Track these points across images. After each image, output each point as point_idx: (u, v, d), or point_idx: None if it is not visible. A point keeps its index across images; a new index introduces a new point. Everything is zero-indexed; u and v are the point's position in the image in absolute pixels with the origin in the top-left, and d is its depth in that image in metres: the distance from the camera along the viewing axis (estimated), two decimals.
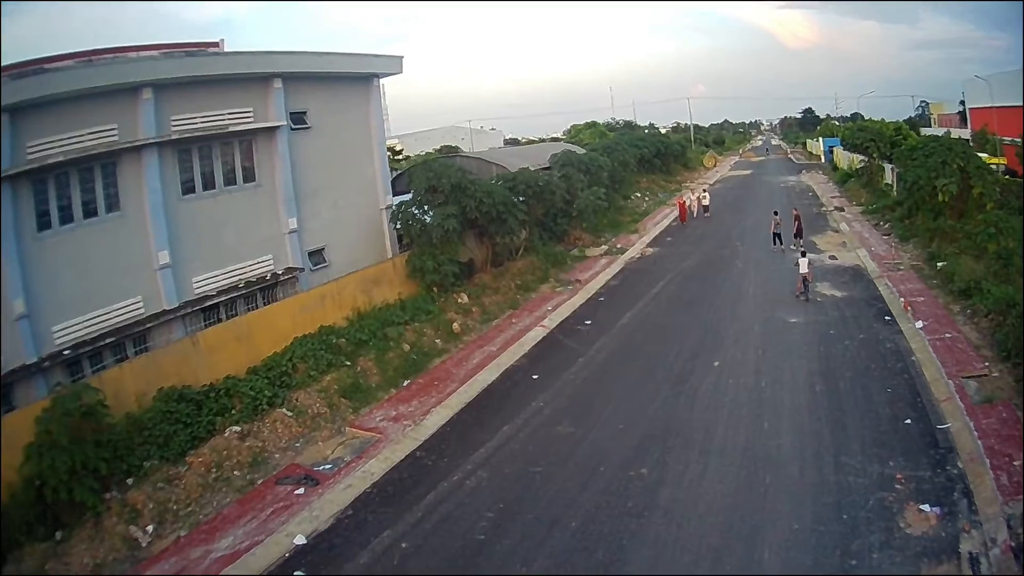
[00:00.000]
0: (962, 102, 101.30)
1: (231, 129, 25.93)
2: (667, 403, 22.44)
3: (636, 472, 18.20)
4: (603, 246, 47.50)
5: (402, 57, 33.75)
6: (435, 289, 31.46)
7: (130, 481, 17.67)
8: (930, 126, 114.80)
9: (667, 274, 40.03)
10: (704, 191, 63.14)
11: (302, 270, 27.95)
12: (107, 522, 16.34)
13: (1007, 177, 55.34)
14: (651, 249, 48.24)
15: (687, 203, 58.11)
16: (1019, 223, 32.15)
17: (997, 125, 71.00)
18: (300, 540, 16.10)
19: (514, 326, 30.98)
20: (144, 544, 16.18)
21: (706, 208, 58.63)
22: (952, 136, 54.07)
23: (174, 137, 23.89)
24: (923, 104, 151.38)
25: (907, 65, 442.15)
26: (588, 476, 18.18)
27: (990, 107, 73.68)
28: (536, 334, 29.96)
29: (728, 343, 27.86)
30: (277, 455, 20.17)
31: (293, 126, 28.23)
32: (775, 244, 45.03)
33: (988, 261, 32.08)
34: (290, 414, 21.68)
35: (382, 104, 34.70)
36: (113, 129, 22.24)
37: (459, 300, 32.02)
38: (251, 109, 26.74)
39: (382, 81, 34.19)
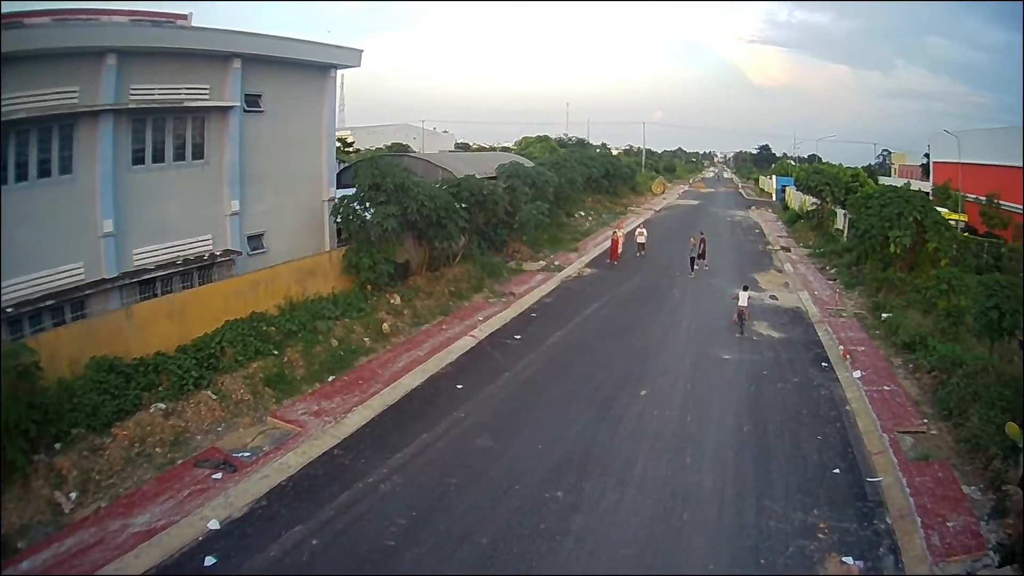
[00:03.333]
0: (927, 155, 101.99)
1: (186, 104, 26.03)
2: (589, 428, 22.52)
3: (551, 494, 18.27)
4: (541, 262, 47.72)
5: (361, 51, 34.12)
6: (369, 287, 31.52)
7: (57, 446, 17.57)
8: (890, 175, 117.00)
9: (602, 296, 40.30)
10: (641, 227, 59.23)
11: (240, 253, 28.08)
12: (34, 484, 16.34)
13: (966, 234, 56.40)
14: (589, 270, 48.48)
15: (620, 238, 52.78)
16: (973, 282, 31.87)
17: (962, 181, 72.26)
18: (214, 525, 16.14)
19: (444, 333, 31.10)
20: (67, 511, 16.04)
21: (642, 246, 54.18)
22: (912, 188, 54.76)
23: (131, 106, 23.90)
24: (885, 153, 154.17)
25: (874, 112, 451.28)
26: (503, 493, 18.23)
27: (956, 163, 74.89)
28: (465, 343, 30.13)
29: (657, 373, 27.93)
30: (199, 437, 20.14)
31: (247, 108, 28.41)
32: (692, 269, 47.36)
33: (936, 317, 32.25)
34: (214, 397, 21.66)
35: (337, 95, 34.99)
36: (75, 91, 22.25)
37: (392, 301, 32.14)
38: (208, 86, 26.86)
39: (341, 72, 34.56)
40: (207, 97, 26.80)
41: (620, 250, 51.56)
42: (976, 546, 16.64)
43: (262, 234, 29.60)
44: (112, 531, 15.44)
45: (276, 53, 29.47)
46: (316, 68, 32.13)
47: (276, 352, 24.93)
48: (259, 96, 29.09)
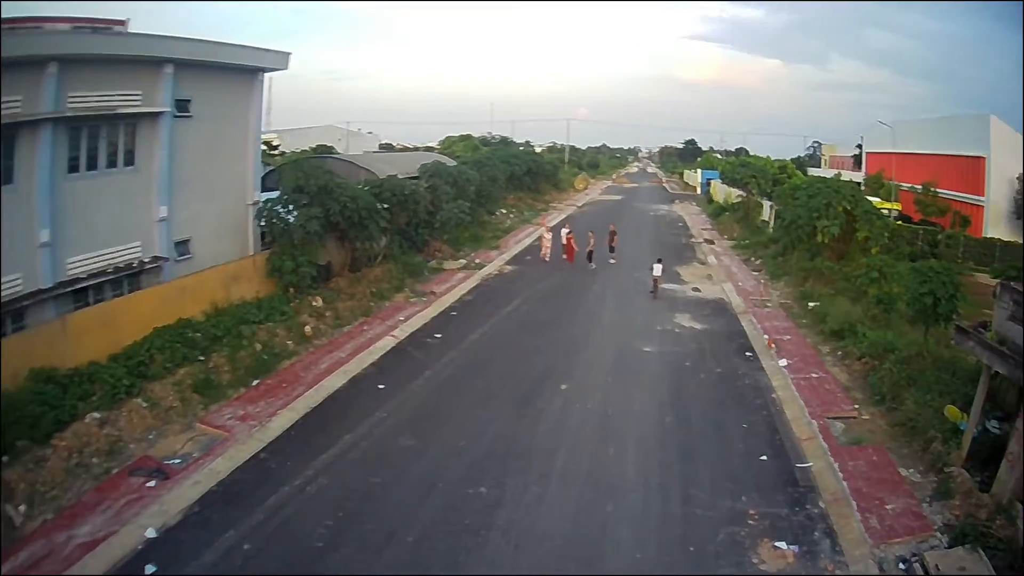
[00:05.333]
0: (859, 146, 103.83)
1: (119, 111, 26.20)
2: (510, 423, 23.04)
3: (475, 490, 18.68)
4: (462, 260, 48.18)
5: (289, 53, 34.25)
6: (291, 290, 31.96)
7: (4, 459, 17.92)
8: (820, 167, 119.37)
9: (522, 293, 40.90)
10: (567, 228, 53.16)
11: (167, 260, 28.23)
12: None
13: (899, 223, 57.90)
14: (509, 267, 49.07)
15: (547, 240, 51.27)
16: (906, 269, 31.83)
17: (896, 171, 73.45)
18: (151, 533, 16.44)
19: (365, 334, 31.51)
20: (18, 524, 16.38)
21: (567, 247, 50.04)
22: (843, 178, 55.35)
23: (68, 114, 24.10)
24: (815, 145, 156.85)
25: (806, 105, 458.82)
26: (427, 491, 18.62)
27: (890, 152, 76.18)
28: (386, 343, 30.52)
29: (578, 368, 28.41)
30: (132, 445, 20.31)
31: (176, 113, 28.47)
32: (589, 262, 48.48)
33: (867, 305, 32.57)
34: (145, 405, 21.91)
35: (265, 98, 35.21)
36: (18, 100, 22.44)
37: (314, 303, 32.58)
38: (140, 92, 27.00)
39: (268, 75, 34.74)
40: (139, 103, 26.99)
41: (575, 248, 50.17)
42: (920, 527, 17.18)
43: (188, 239, 29.70)
44: (59, 543, 15.75)
45: (206, 57, 29.57)
46: (244, 72, 32.32)
47: (202, 358, 25.26)
48: (188, 101, 29.19)
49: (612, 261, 50.06)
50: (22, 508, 16.93)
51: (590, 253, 48.82)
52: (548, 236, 51.88)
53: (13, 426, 18.65)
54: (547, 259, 50.35)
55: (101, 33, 26.65)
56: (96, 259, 25.60)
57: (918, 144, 76.62)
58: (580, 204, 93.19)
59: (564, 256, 50.10)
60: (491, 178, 65.88)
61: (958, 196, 68.03)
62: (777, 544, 16.65)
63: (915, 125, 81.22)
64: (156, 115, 27.69)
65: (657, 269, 41.19)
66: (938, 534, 16.87)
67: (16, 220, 22.61)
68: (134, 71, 26.76)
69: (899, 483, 19.28)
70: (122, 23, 28.17)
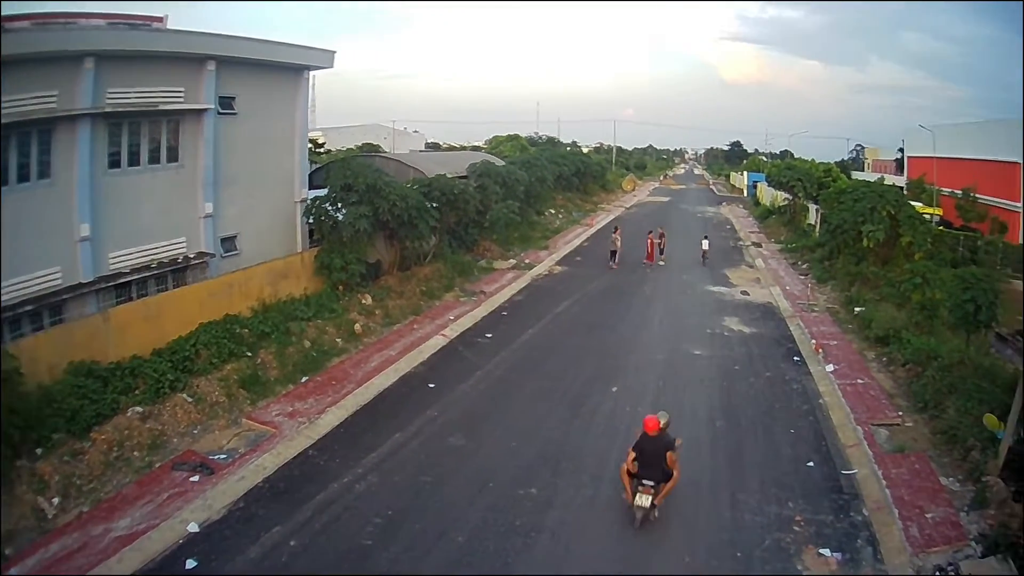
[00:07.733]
0: (901, 149, 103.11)
1: (161, 107, 25.88)
2: (561, 425, 22.70)
3: (525, 491, 18.41)
4: (512, 260, 47.95)
5: (334, 52, 33.97)
6: (340, 288, 31.71)
7: (39, 452, 17.68)
8: (863, 171, 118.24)
9: (573, 294, 40.56)
10: (615, 235, 50.45)
11: (213, 256, 27.99)
12: (17, 490, 16.37)
13: (941, 228, 57.03)
14: (559, 268, 48.88)
15: (619, 242, 49.17)
16: (948, 275, 31.64)
17: (937, 175, 73.00)
18: (193, 528, 16.19)
19: (415, 332, 31.16)
20: (50, 516, 16.04)
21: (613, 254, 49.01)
22: (886, 183, 54.32)
23: (108, 110, 23.79)
24: (858, 148, 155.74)
25: (848, 108, 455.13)
26: (477, 491, 18.37)
27: (931, 157, 75.46)
28: (436, 342, 30.24)
29: (629, 370, 28.18)
30: (175, 439, 20.12)
31: (221, 110, 28.28)
32: (611, 260, 48.83)
33: (911, 311, 32.59)
34: (190, 400, 21.59)
35: (309, 96, 34.88)
36: (54, 96, 22.15)
37: (363, 301, 32.29)
38: (183, 89, 26.67)
39: (313, 73, 34.44)
40: (182, 100, 26.72)
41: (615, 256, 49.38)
42: (956, 537, 16.99)
43: (235, 236, 29.53)
44: (95, 536, 15.49)
45: (250, 55, 29.34)
46: (289, 70, 32.00)
47: (250, 354, 24.97)
48: (233, 98, 28.97)
49: (661, 263, 50.73)
50: (56, 500, 16.64)
51: (613, 253, 48.87)
52: (617, 238, 50.05)
53: (50, 419, 18.43)
54: (615, 267, 48.89)
55: (138, 29, 26.32)
56: (139, 254, 25.39)
57: (958, 149, 75.74)
58: (628, 205, 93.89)
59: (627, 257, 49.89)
60: (540, 178, 65.12)
61: (997, 202, 66.98)
62: (821, 551, 16.61)
63: (954, 129, 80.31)
64: (200, 112, 27.39)
65: (705, 244, 51.12)
66: (973, 544, 16.78)
67: (54, 214, 22.45)
68: (175, 68, 26.52)
69: (939, 491, 19.24)
70: (160, 19, 27.90)
